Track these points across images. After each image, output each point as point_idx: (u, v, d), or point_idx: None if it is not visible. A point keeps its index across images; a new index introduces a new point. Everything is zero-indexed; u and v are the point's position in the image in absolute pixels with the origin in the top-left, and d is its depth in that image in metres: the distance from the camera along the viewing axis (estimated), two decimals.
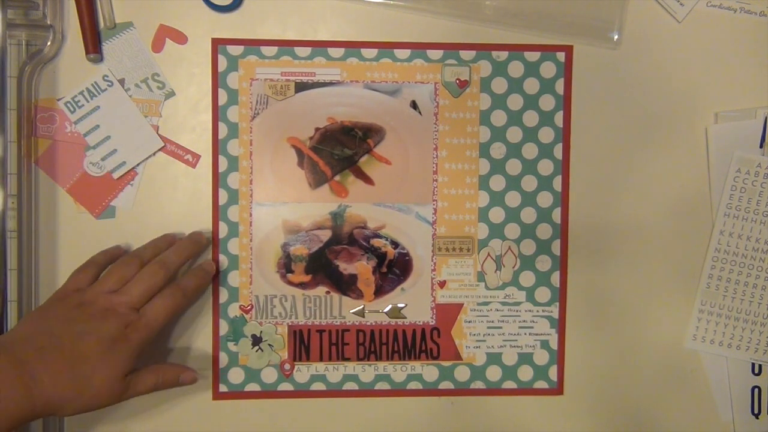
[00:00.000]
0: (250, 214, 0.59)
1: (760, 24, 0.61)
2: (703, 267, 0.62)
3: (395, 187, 0.60)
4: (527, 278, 0.61)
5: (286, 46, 0.58)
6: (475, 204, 0.60)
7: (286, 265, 0.59)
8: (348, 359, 0.60)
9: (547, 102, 0.60)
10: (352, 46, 0.59)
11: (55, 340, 0.48)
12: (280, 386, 0.60)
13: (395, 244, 0.60)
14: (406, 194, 0.60)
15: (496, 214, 0.60)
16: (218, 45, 0.58)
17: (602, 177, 0.61)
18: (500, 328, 0.61)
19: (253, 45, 0.58)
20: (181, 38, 0.58)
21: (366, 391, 0.61)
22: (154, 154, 0.58)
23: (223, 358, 0.59)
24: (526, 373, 0.61)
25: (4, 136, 0.54)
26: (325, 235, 0.60)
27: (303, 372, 0.60)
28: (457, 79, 0.60)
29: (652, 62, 0.60)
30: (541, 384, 0.62)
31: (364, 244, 0.60)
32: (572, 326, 0.61)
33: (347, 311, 0.60)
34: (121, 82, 0.58)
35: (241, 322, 0.59)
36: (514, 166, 0.60)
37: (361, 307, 0.60)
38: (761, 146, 0.61)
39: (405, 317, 0.60)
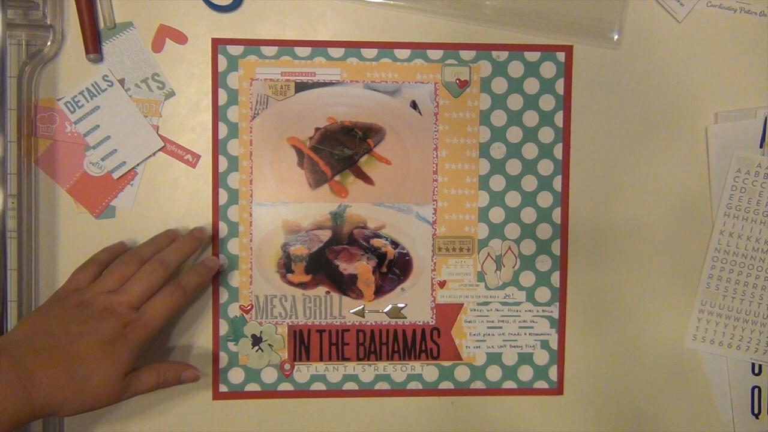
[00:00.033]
0: (250, 214, 0.59)
1: (760, 24, 0.61)
2: (703, 267, 0.62)
3: (395, 187, 0.60)
4: (527, 278, 0.61)
5: (286, 46, 0.58)
6: (475, 204, 0.60)
7: (286, 265, 0.59)
8: (348, 359, 0.60)
9: (547, 102, 0.60)
10: (352, 46, 0.59)
11: (54, 341, 0.48)
12: (280, 386, 0.60)
13: (395, 244, 0.60)
14: (406, 194, 0.60)
15: (496, 214, 0.60)
16: (218, 45, 0.58)
17: (602, 177, 0.61)
18: (500, 328, 0.61)
19: (253, 45, 0.58)
20: (181, 38, 0.58)
21: (366, 391, 0.61)
22: (154, 154, 0.58)
23: (223, 358, 0.59)
24: (526, 373, 0.61)
25: (4, 136, 0.54)
26: (325, 235, 0.60)
27: (303, 372, 0.60)
28: (457, 79, 0.60)
29: (652, 62, 0.60)
30: (541, 384, 0.62)
31: (364, 244, 0.60)
32: (572, 326, 0.61)
33: (347, 311, 0.60)
34: (121, 82, 0.58)
35: (241, 322, 0.59)
36: (514, 166, 0.60)
37: (361, 307, 0.60)
38: (761, 146, 0.61)
39: (405, 317, 0.60)
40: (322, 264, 0.60)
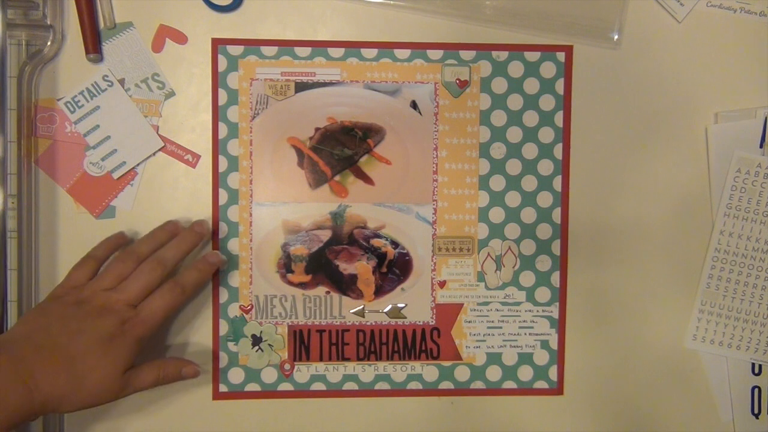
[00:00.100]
0: (250, 214, 0.59)
1: (760, 24, 0.61)
2: (703, 267, 0.62)
3: (395, 187, 0.60)
4: (527, 278, 0.61)
5: (286, 46, 0.58)
6: (475, 204, 0.60)
7: (286, 265, 0.59)
8: (348, 359, 0.60)
9: (547, 102, 0.60)
10: (352, 46, 0.59)
11: (53, 339, 0.48)
12: (280, 386, 0.60)
13: (395, 244, 0.60)
14: (406, 194, 0.60)
15: (496, 214, 0.60)
16: (218, 45, 0.58)
17: (602, 177, 0.61)
18: (500, 328, 0.61)
19: (253, 45, 0.58)
20: (181, 38, 0.58)
21: (366, 391, 0.61)
22: (154, 154, 0.58)
23: (223, 358, 0.59)
24: (526, 373, 0.61)
25: (4, 136, 0.54)
26: (325, 235, 0.60)
27: (303, 372, 0.60)
28: (457, 79, 0.60)
29: (652, 62, 0.60)
30: (541, 384, 0.62)
31: (364, 244, 0.60)
32: (572, 326, 0.61)
33: (347, 311, 0.60)
34: (121, 82, 0.58)
35: (241, 322, 0.59)
36: (514, 166, 0.60)
37: (361, 307, 0.60)
38: (761, 146, 0.61)
39: (405, 317, 0.60)
40: (322, 264, 0.60)
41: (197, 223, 0.57)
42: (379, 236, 0.60)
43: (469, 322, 0.61)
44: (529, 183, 0.60)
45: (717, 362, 0.62)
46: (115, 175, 0.58)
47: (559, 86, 0.60)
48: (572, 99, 0.60)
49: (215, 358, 0.59)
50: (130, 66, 0.58)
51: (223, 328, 0.59)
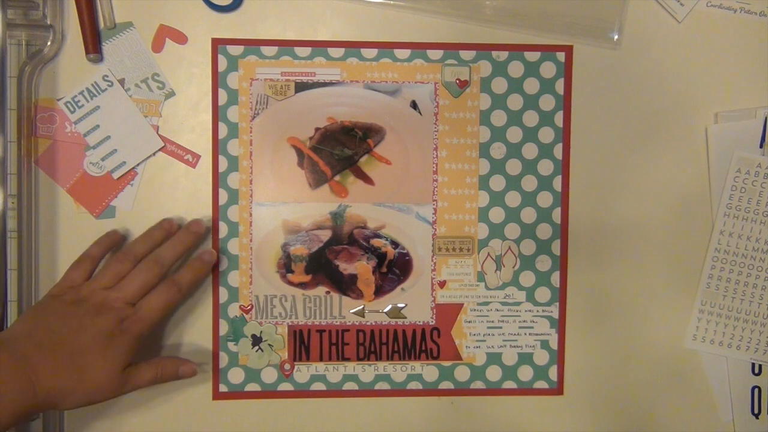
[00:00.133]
0: (250, 214, 0.59)
1: (760, 24, 0.61)
2: (703, 267, 0.62)
3: (395, 187, 0.60)
4: (527, 278, 0.61)
5: (286, 46, 0.58)
6: (475, 204, 0.60)
7: (286, 265, 0.59)
8: (348, 359, 0.60)
9: (547, 102, 0.60)
10: (352, 46, 0.59)
11: (54, 336, 0.48)
12: (280, 386, 0.60)
13: (395, 244, 0.60)
14: (406, 194, 0.60)
15: (496, 214, 0.60)
16: (218, 45, 0.58)
17: (602, 177, 0.61)
18: (500, 328, 0.61)
19: (253, 45, 0.58)
20: (181, 38, 0.58)
21: (366, 391, 0.61)
22: (154, 154, 0.58)
23: (223, 358, 0.59)
24: (526, 373, 0.61)
25: (4, 136, 0.54)
26: (325, 235, 0.60)
27: (303, 372, 0.60)
28: (457, 79, 0.60)
29: (652, 62, 0.60)
30: (541, 384, 0.62)
31: (364, 244, 0.60)
32: (572, 326, 0.61)
33: (347, 311, 0.60)
34: (121, 82, 0.58)
35: (241, 322, 0.59)
36: (514, 166, 0.60)
37: (361, 307, 0.60)
38: (761, 146, 0.61)
39: (405, 317, 0.60)
40: (322, 264, 0.60)
41: (193, 222, 0.57)
42: (379, 236, 0.60)
43: (469, 322, 0.61)
44: (529, 183, 0.60)
45: (717, 362, 0.62)
46: (115, 175, 0.58)
47: (559, 86, 0.60)
48: (572, 99, 0.60)
49: (215, 358, 0.59)
50: (130, 66, 0.58)
51: (223, 328, 0.59)
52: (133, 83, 0.58)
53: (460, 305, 0.61)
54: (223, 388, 0.60)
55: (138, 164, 0.58)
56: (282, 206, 0.59)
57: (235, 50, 0.58)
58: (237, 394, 0.60)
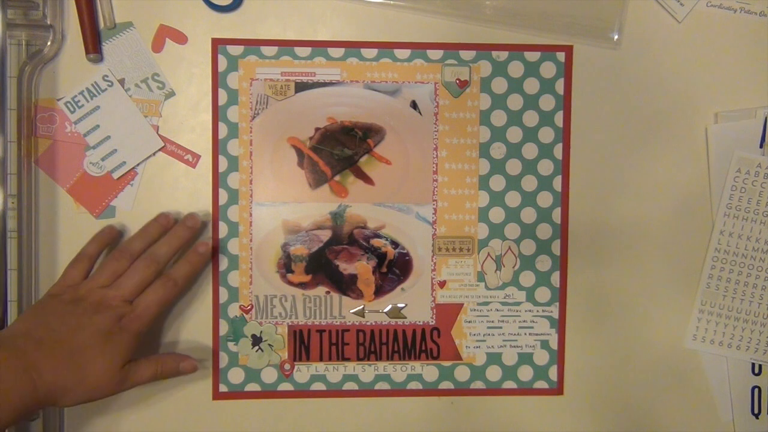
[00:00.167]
0: (250, 214, 0.59)
1: (760, 24, 0.61)
2: (703, 267, 0.62)
3: (395, 187, 0.60)
4: (527, 278, 0.61)
5: (286, 46, 0.58)
6: (475, 204, 0.60)
7: (286, 265, 0.59)
8: (348, 359, 0.60)
9: (547, 102, 0.60)
10: (352, 46, 0.59)
11: (54, 334, 0.49)
12: (280, 386, 0.60)
13: (395, 244, 0.60)
14: (406, 194, 0.60)
15: (496, 214, 0.60)
16: (218, 45, 0.58)
17: (602, 177, 0.61)
18: (500, 328, 0.61)
19: (253, 45, 0.58)
20: (181, 38, 0.58)
21: (366, 391, 0.61)
22: (154, 154, 0.58)
23: (223, 358, 0.59)
24: (526, 373, 0.61)
25: (4, 136, 0.54)
26: (325, 235, 0.60)
27: (303, 372, 0.60)
28: (457, 79, 0.60)
29: (652, 62, 0.60)
30: (541, 384, 0.62)
31: (364, 244, 0.60)
32: (572, 326, 0.61)
33: (347, 311, 0.60)
34: (121, 82, 0.58)
35: (241, 322, 0.59)
36: (514, 166, 0.60)
37: (361, 307, 0.60)
38: (761, 146, 0.61)
39: (405, 317, 0.60)
40: (322, 264, 0.60)
41: (189, 217, 0.57)
42: (379, 236, 0.60)
43: (469, 322, 0.61)
44: (529, 183, 0.60)
45: (717, 362, 0.62)
46: (115, 175, 0.58)
47: (559, 86, 0.60)
48: (572, 99, 0.60)
49: (215, 358, 0.59)
50: (130, 66, 0.58)
51: (223, 328, 0.59)
52: (133, 83, 0.58)
53: (460, 305, 0.61)
54: (223, 388, 0.60)
55: (138, 164, 0.58)
56: (282, 206, 0.59)
57: (235, 50, 0.58)
58: (237, 394, 0.60)
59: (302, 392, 0.60)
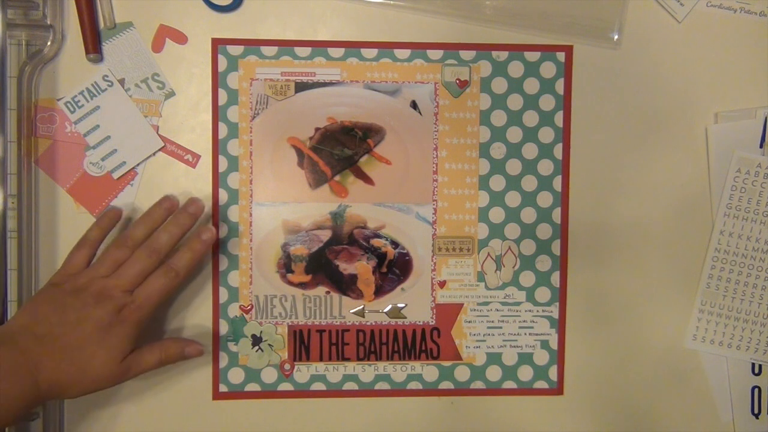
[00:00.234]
0: (250, 214, 0.59)
1: (760, 24, 0.61)
2: (703, 267, 0.62)
3: (395, 187, 0.60)
4: (527, 278, 0.61)
5: (286, 46, 0.58)
6: (475, 204, 0.60)
7: (286, 265, 0.59)
8: (348, 359, 0.60)
9: (547, 102, 0.60)
10: (352, 46, 0.59)
11: (54, 329, 0.49)
12: (280, 386, 0.60)
13: (395, 244, 0.60)
14: (406, 194, 0.60)
15: (496, 214, 0.60)
16: (218, 45, 0.58)
17: (602, 177, 0.61)
18: (500, 328, 0.61)
19: (253, 45, 0.58)
20: (181, 38, 0.58)
21: (366, 391, 0.61)
22: (154, 154, 0.58)
23: (223, 358, 0.59)
24: (526, 373, 0.61)
25: (4, 136, 0.54)
26: (325, 235, 0.60)
27: (303, 372, 0.60)
28: (457, 79, 0.60)
29: (652, 62, 0.60)
30: (541, 384, 0.62)
31: (364, 244, 0.60)
32: (572, 326, 0.61)
33: (347, 311, 0.60)
34: (121, 82, 0.58)
35: (241, 322, 0.59)
36: (514, 166, 0.60)
37: (361, 307, 0.60)
38: (761, 146, 0.61)
39: (405, 317, 0.60)
40: (322, 264, 0.60)
41: (191, 202, 0.56)
42: (379, 236, 0.60)
43: (469, 322, 0.61)
44: (529, 183, 0.60)
45: (717, 362, 0.62)
46: (115, 175, 0.58)
47: (559, 86, 0.60)
48: (572, 99, 0.60)
49: (215, 358, 0.59)
50: (130, 66, 0.58)
51: (223, 328, 0.59)
52: (133, 83, 0.58)
53: (460, 305, 0.61)
54: (223, 388, 0.60)
55: (138, 164, 0.58)
56: (282, 206, 0.59)
57: (235, 50, 0.58)
58: (237, 394, 0.60)
59: (302, 392, 0.60)
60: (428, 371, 0.61)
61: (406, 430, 0.61)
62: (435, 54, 0.59)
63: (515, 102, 0.60)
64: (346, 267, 0.60)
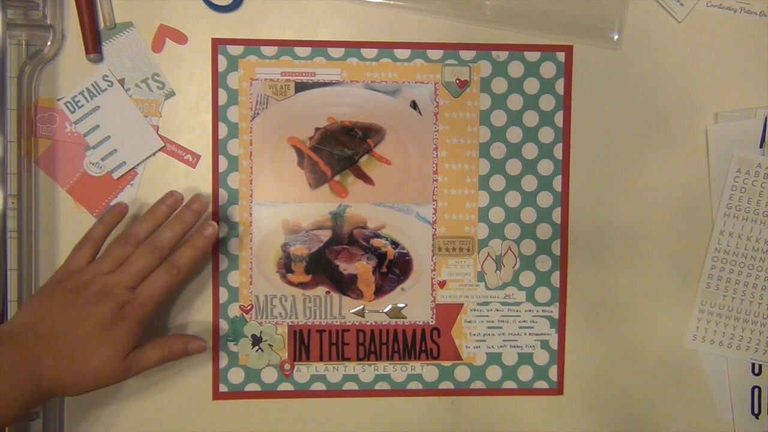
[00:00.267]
0: (250, 214, 0.59)
1: (760, 24, 0.61)
2: (703, 267, 0.62)
3: (395, 187, 0.60)
4: (527, 278, 0.61)
5: (286, 46, 0.58)
6: (475, 204, 0.60)
7: (286, 265, 0.59)
8: (348, 359, 0.60)
9: (547, 102, 0.60)
10: (352, 46, 0.59)
11: (55, 327, 0.49)
12: (280, 386, 0.60)
13: (395, 244, 0.60)
14: (406, 194, 0.60)
15: (496, 214, 0.60)
16: (218, 45, 0.58)
17: (602, 177, 0.61)
18: (500, 328, 0.61)
19: (253, 45, 0.58)
20: (181, 38, 0.58)
21: (366, 391, 0.61)
22: (154, 154, 0.58)
23: (223, 358, 0.59)
24: (526, 373, 0.61)
25: (4, 136, 0.54)
26: (325, 235, 0.60)
27: (303, 372, 0.60)
28: (457, 79, 0.60)
29: (652, 62, 0.60)
30: (541, 384, 0.62)
31: (364, 244, 0.60)
32: (572, 326, 0.61)
33: (347, 311, 0.60)
34: (121, 82, 0.58)
35: (241, 322, 0.59)
36: (514, 166, 0.60)
37: (361, 307, 0.60)
38: (761, 146, 0.61)
39: (405, 317, 0.60)
40: (322, 264, 0.60)
41: (194, 199, 0.55)
42: (379, 236, 0.60)
43: (469, 322, 0.61)
44: (529, 183, 0.60)
45: (717, 362, 0.62)
46: (115, 175, 0.58)
47: (559, 86, 0.60)
48: (572, 99, 0.60)
49: (215, 358, 0.59)
50: (130, 66, 0.58)
51: (223, 328, 0.59)
52: (133, 83, 0.58)
53: (460, 305, 0.61)
54: (223, 388, 0.60)
55: (138, 164, 0.58)
56: (282, 206, 0.59)
57: (235, 50, 0.58)
58: (237, 394, 0.60)
59: (302, 392, 0.60)
60: (428, 371, 0.61)
61: (406, 430, 0.61)
62: (435, 54, 0.59)
63: (515, 102, 0.60)
64: (346, 267, 0.60)
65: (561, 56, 0.60)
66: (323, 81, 0.59)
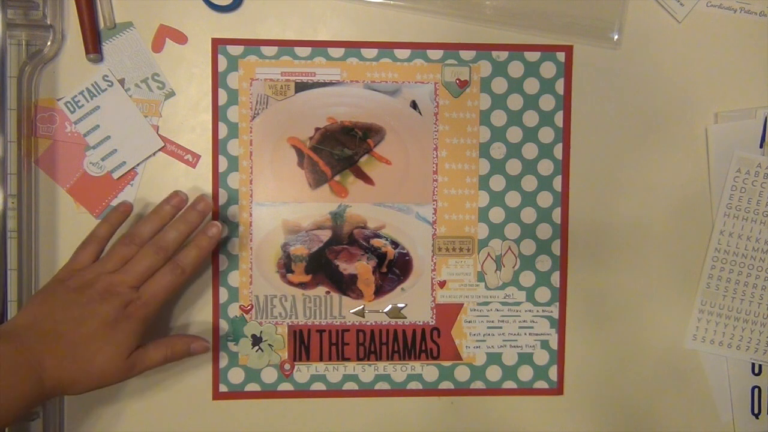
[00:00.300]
0: (250, 214, 0.59)
1: (760, 24, 0.61)
2: (703, 267, 0.62)
3: (395, 187, 0.60)
4: (527, 278, 0.61)
5: (286, 46, 0.58)
6: (475, 204, 0.60)
7: (286, 265, 0.59)
8: (348, 359, 0.60)
9: (547, 102, 0.60)
10: (352, 46, 0.59)
11: (58, 326, 0.49)
12: (280, 386, 0.60)
13: (395, 244, 0.60)
14: (406, 194, 0.60)
15: (496, 214, 0.60)
16: (218, 45, 0.58)
17: (602, 177, 0.61)
18: (500, 328, 0.61)
19: (253, 45, 0.58)
20: (181, 38, 0.58)
21: (366, 391, 0.61)
22: (154, 154, 0.58)
23: (223, 358, 0.59)
24: (526, 373, 0.61)
25: (4, 136, 0.54)
26: (325, 235, 0.60)
27: (303, 372, 0.60)
28: (457, 79, 0.60)
29: (652, 62, 0.60)
30: (541, 384, 0.62)
31: (364, 244, 0.60)
32: (572, 326, 0.61)
33: (347, 311, 0.60)
34: (121, 82, 0.58)
35: (241, 322, 0.59)
36: (514, 166, 0.60)
37: (361, 307, 0.60)
38: (761, 146, 0.61)
39: (405, 317, 0.60)
40: (322, 264, 0.60)
41: (199, 199, 0.55)
42: (379, 236, 0.60)
43: (469, 322, 0.61)
44: (529, 183, 0.60)
45: (717, 362, 0.62)
46: (115, 175, 0.58)
47: (559, 86, 0.60)
48: (572, 99, 0.60)
49: (215, 358, 0.59)
50: (130, 66, 0.58)
51: (223, 328, 0.59)
52: (133, 83, 0.58)
53: (460, 305, 0.61)
54: (223, 388, 0.60)
55: (138, 164, 0.58)
56: (282, 206, 0.59)
57: (235, 50, 0.58)
58: (237, 394, 0.60)
59: (302, 392, 0.60)
60: (428, 371, 0.61)
61: (406, 430, 0.61)
62: (435, 54, 0.59)
63: (515, 102, 0.60)
64: (346, 267, 0.60)
65: (561, 56, 0.60)
66: (323, 81, 0.59)
